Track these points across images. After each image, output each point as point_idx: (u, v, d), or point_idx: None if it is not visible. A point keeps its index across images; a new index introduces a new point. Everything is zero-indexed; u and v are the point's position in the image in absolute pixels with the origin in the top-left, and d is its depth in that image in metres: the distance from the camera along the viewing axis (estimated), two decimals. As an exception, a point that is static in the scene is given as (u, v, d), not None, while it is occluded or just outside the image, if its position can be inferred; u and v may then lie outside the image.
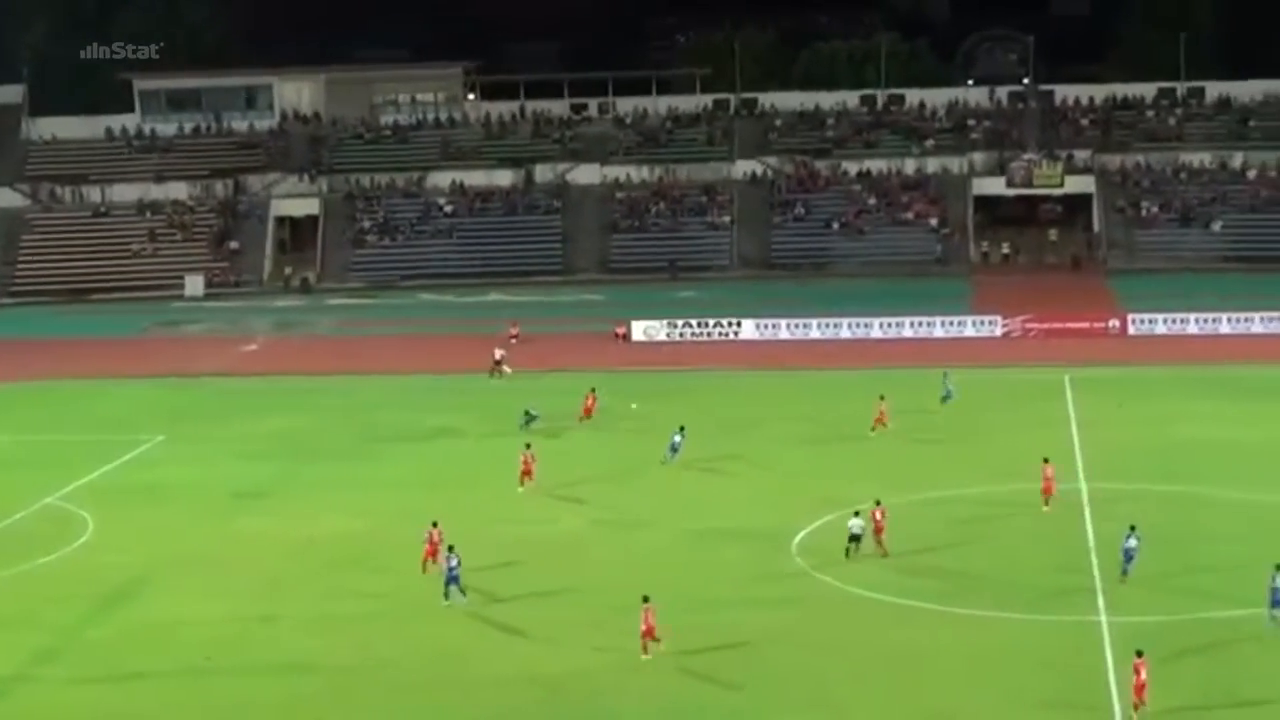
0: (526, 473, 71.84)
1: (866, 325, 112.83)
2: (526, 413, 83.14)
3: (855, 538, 61.32)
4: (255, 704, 48.65)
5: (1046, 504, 66.36)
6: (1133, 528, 57.96)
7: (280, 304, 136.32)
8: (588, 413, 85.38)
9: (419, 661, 51.41)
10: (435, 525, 59.94)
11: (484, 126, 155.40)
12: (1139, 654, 44.86)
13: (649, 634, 49.98)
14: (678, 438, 76.47)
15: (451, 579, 56.12)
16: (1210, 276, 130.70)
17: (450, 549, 56.54)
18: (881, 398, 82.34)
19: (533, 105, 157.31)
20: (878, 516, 61.29)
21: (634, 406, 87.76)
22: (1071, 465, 73.98)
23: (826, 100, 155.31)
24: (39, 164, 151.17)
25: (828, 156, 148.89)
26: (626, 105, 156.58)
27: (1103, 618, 53.96)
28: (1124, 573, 57.32)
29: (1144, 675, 44.47)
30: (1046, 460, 67.59)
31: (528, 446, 72.95)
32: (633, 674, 49.45)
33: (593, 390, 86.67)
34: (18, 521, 69.35)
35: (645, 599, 50.37)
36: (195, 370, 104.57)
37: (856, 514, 61.83)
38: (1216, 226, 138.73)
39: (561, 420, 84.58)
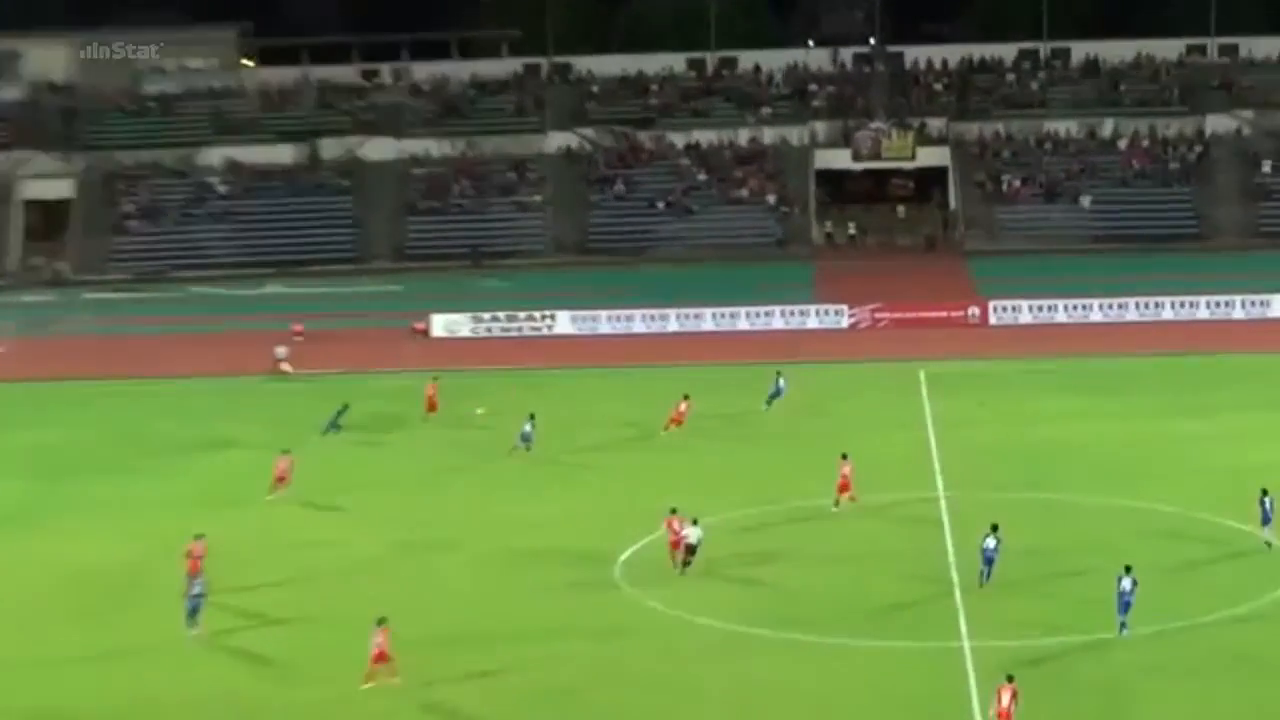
0: (280, 479, 72.26)
1: (697, 317, 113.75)
2: (340, 413, 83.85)
3: (692, 549, 61.73)
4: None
5: (836, 504, 67.46)
6: (994, 527, 58.70)
7: (30, 299, 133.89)
8: (432, 408, 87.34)
9: (191, 702, 50.47)
10: (199, 538, 59.12)
11: (262, 96, 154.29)
12: (1009, 678, 44.95)
13: (379, 659, 49.27)
14: (528, 426, 77.89)
15: (193, 606, 55.47)
16: (1079, 258, 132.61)
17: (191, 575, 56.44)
18: (685, 397, 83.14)
19: (317, 72, 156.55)
20: (675, 527, 61.75)
21: (480, 411, 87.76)
22: (928, 471, 74.89)
23: (650, 64, 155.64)
24: None
25: (651, 127, 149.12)
26: (424, 71, 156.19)
27: (965, 643, 53.87)
28: (984, 578, 58.19)
29: (1005, 702, 44.45)
30: (844, 456, 68.50)
31: (285, 452, 72.94)
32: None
33: (435, 379, 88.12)
34: None
35: (381, 620, 49.92)
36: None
37: (695, 522, 62.18)
38: (1085, 202, 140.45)
39: (366, 427, 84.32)
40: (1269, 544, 62.09)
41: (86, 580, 62.80)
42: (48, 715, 50.26)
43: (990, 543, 58.11)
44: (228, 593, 57.01)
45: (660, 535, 64.54)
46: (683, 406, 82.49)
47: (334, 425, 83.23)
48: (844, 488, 68.30)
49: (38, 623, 59.11)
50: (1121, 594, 54.27)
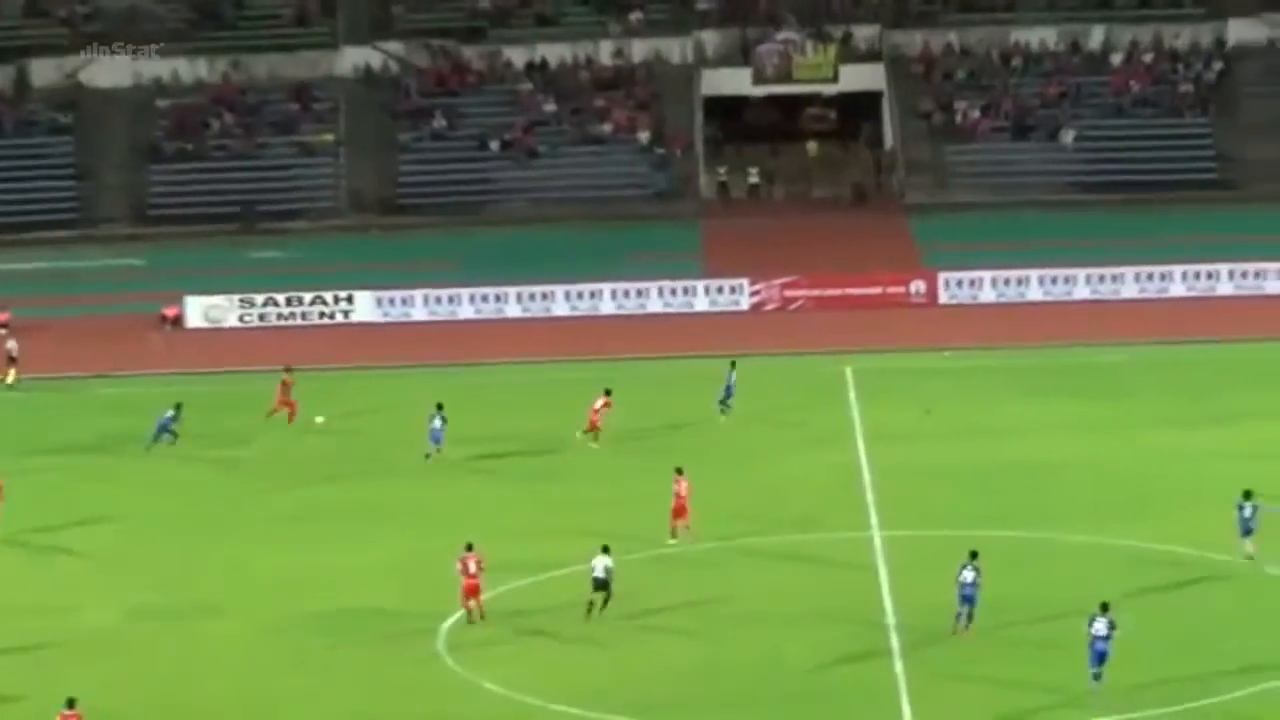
0: None
1: (545, 297, 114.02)
2: (173, 417, 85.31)
3: (603, 584, 63.15)
4: None
5: (674, 535, 68.26)
6: (973, 554, 59.85)
7: None
8: (280, 408, 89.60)
9: None
10: None
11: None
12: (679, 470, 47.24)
13: None
14: (437, 423, 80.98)
15: None
16: (1059, 214, 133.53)
17: None
18: (607, 393, 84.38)
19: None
20: (471, 567, 62.94)
21: (319, 420, 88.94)
22: (858, 502, 75.38)
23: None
24: None
25: (481, 40, 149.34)
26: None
27: (907, 724, 54.92)
28: (962, 620, 59.26)
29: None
30: (679, 471, 69.47)
31: None
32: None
33: (287, 370, 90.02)
34: None
35: (70, 702, 50.03)
36: None
37: (605, 550, 63.60)
38: (1067, 139, 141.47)
39: (98, 449, 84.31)
40: (1250, 557, 66.28)
41: None
42: None
43: (968, 575, 59.31)
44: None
45: (497, 595, 65.31)
46: (599, 405, 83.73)
47: (166, 430, 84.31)
48: (679, 512, 69.57)
49: None
50: (1095, 639, 55.55)
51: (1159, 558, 68.26)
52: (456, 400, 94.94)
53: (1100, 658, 54.91)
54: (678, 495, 68.63)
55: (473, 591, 61.74)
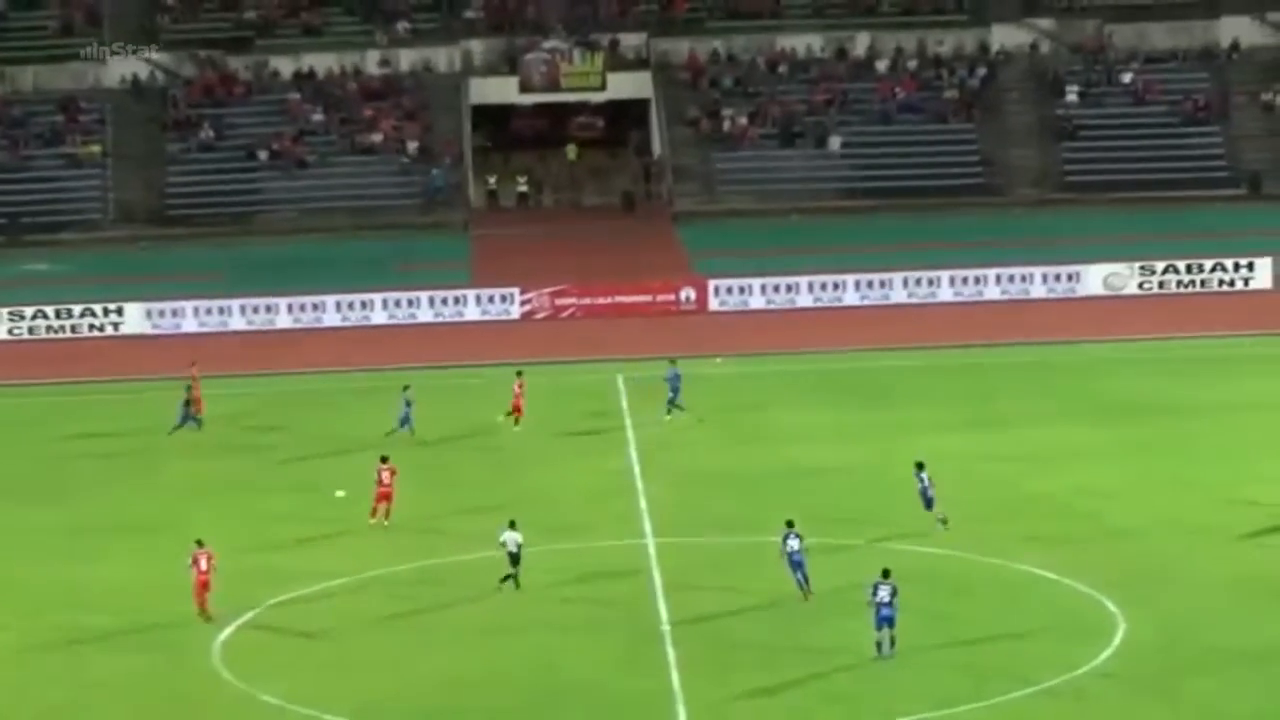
0: None
1: (316, 308, 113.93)
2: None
3: (515, 558, 65.32)
4: None
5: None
6: (885, 572, 58.94)
7: None
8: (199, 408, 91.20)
9: None
10: None
11: None
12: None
13: None
14: (406, 408, 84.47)
15: None
16: (828, 220, 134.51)
17: None
18: (519, 374, 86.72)
19: None
20: (203, 564, 63.43)
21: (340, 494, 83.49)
22: (631, 509, 75.56)
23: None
24: None
25: (248, 50, 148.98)
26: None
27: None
28: (883, 648, 58.25)
29: None
30: (384, 459, 71.60)
31: None
32: None
33: (192, 363, 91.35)
34: None
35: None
36: None
37: (512, 525, 65.70)
38: (834, 145, 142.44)
39: None
40: (943, 521, 70.72)
41: None
42: None
43: (883, 593, 58.28)
44: None
45: (271, 608, 65.27)
46: (517, 387, 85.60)
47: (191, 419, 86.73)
48: (383, 497, 72.44)
49: None
50: (879, 606, 57.18)
51: (936, 563, 68.73)
52: (228, 410, 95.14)
53: (887, 621, 56.63)
54: (380, 484, 71.00)
55: (204, 588, 62.38)
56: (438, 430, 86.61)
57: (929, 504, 71.30)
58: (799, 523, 66.53)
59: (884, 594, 58.06)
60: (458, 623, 64.80)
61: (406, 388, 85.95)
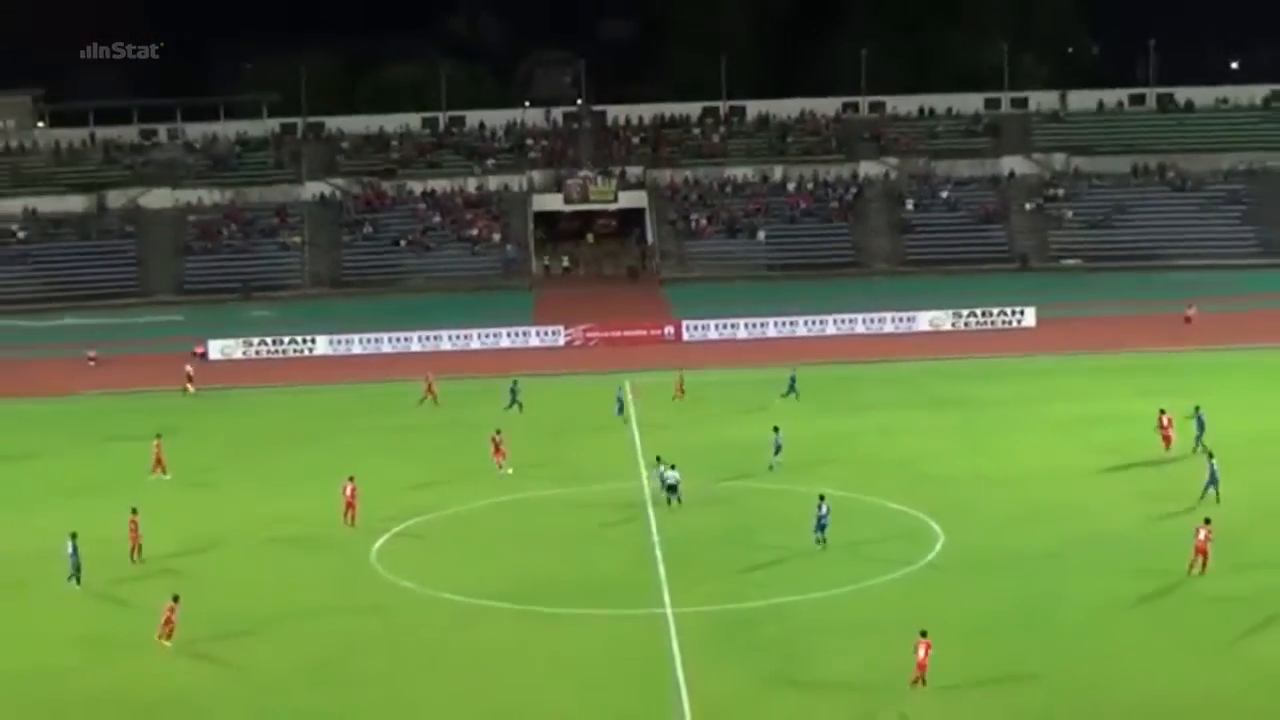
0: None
1: (435, 338, 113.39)
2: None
3: (671, 487, 66.24)
4: None
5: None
6: (822, 496, 60.54)
7: None
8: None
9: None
10: (134, 512, 61.88)
11: (54, 153, 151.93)
12: (923, 634, 46.08)
13: (167, 627, 50.11)
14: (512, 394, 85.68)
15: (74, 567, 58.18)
16: (757, 284, 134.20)
17: (72, 535, 58.25)
18: (683, 380, 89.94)
19: (102, 132, 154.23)
20: (346, 492, 65.15)
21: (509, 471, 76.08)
22: (633, 465, 75.27)
23: (390, 123, 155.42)
24: None
25: (393, 177, 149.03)
26: (196, 131, 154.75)
27: (669, 610, 54.88)
28: (820, 543, 60.02)
29: (921, 654, 45.83)
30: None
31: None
32: (233, 686, 48.77)
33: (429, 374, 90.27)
34: None
35: (175, 597, 50.34)
36: None
37: (673, 467, 67.00)
38: (761, 236, 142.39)
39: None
40: (771, 467, 72.80)
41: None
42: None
43: (823, 509, 60.41)
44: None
45: (410, 525, 65.04)
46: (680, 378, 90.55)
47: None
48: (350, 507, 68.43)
49: None
50: (820, 517, 59.20)
51: (827, 498, 68.13)
52: (375, 405, 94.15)
53: (821, 527, 59.65)
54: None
55: (350, 506, 65.27)
56: (502, 416, 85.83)
57: (778, 450, 73.23)
58: (738, 475, 66.43)
59: (823, 509, 59.34)
60: (525, 537, 64.68)
61: (515, 381, 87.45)
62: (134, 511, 62.36)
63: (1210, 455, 69.14)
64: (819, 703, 47.53)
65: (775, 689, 48.41)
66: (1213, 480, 65.56)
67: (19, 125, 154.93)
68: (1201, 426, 74.96)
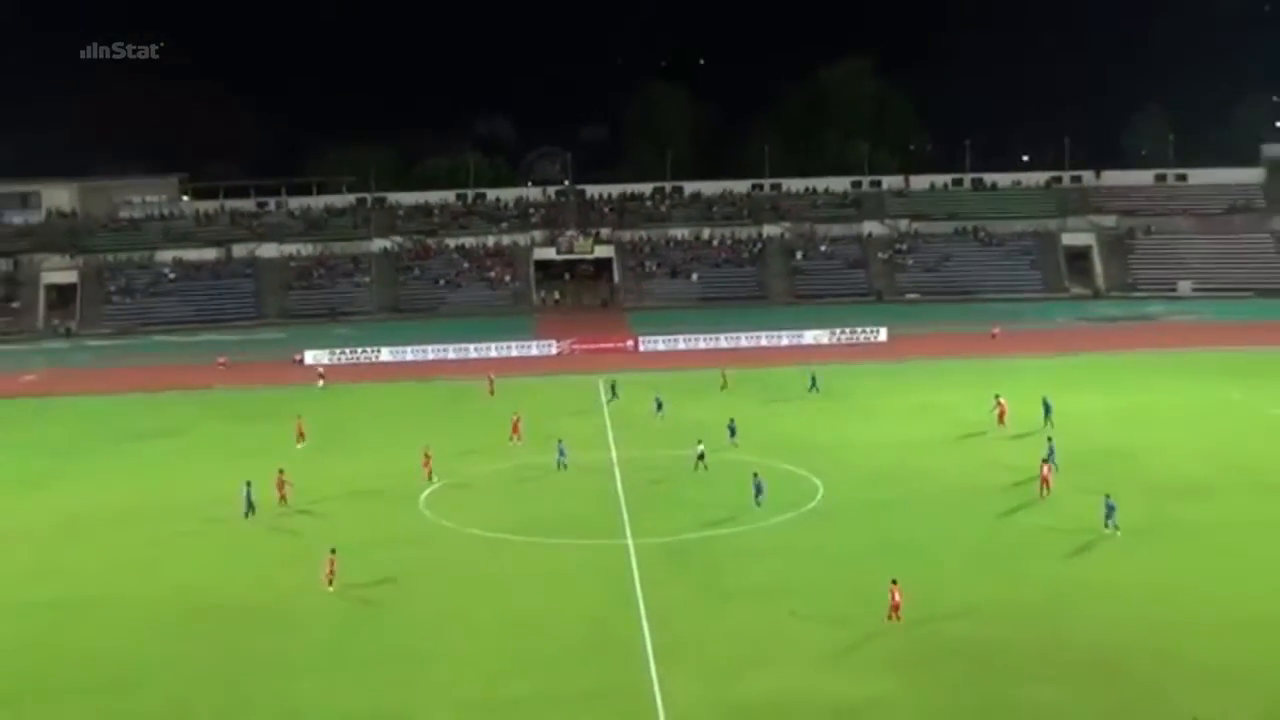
0: (302, 434, 75.86)
1: (464, 349, 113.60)
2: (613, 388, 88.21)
3: (701, 456, 66.32)
4: (45, 642, 47.03)
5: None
6: (756, 473, 60.44)
7: (50, 346, 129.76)
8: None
9: (159, 593, 50.26)
10: (281, 472, 62.27)
11: (195, 219, 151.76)
12: (894, 581, 45.01)
13: (330, 576, 49.58)
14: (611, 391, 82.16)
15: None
16: (692, 311, 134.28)
17: (247, 483, 59.92)
18: (725, 374, 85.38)
19: (229, 203, 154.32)
20: (422, 456, 65.34)
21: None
22: (604, 440, 75.43)
23: (434, 197, 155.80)
24: None
25: (435, 236, 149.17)
26: (296, 202, 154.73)
27: (629, 541, 55.30)
28: (760, 500, 59.21)
29: (898, 598, 44.46)
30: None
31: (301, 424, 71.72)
32: (318, 600, 49.06)
33: (490, 374, 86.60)
34: None
35: (333, 550, 50.10)
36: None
37: (699, 442, 67.54)
38: (694, 278, 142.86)
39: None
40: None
41: (80, 520, 62.04)
42: (83, 603, 50.14)
43: (760, 478, 60.07)
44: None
45: (443, 484, 65.07)
46: (725, 373, 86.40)
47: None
48: (518, 429, 68.77)
49: (68, 533, 58.52)
50: (758, 487, 58.89)
51: (744, 463, 67.38)
52: (427, 395, 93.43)
53: (759, 489, 58.73)
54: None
55: (426, 465, 61.35)
56: (520, 403, 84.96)
57: (732, 436, 71.93)
58: (681, 446, 66.57)
59: (761, 478, 59.18)
60: (532, 493, 64.78)
61: (614, 382, 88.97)
62: (281, 471, 62.54)
63: (1049, 430, 70.34)
64: (735, 604, 48.12)
65: (704, 595, 48.92)
66: (1051, 451, 64.02)
67: (169, 198, 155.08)
68: (1048, 409, 75.08)
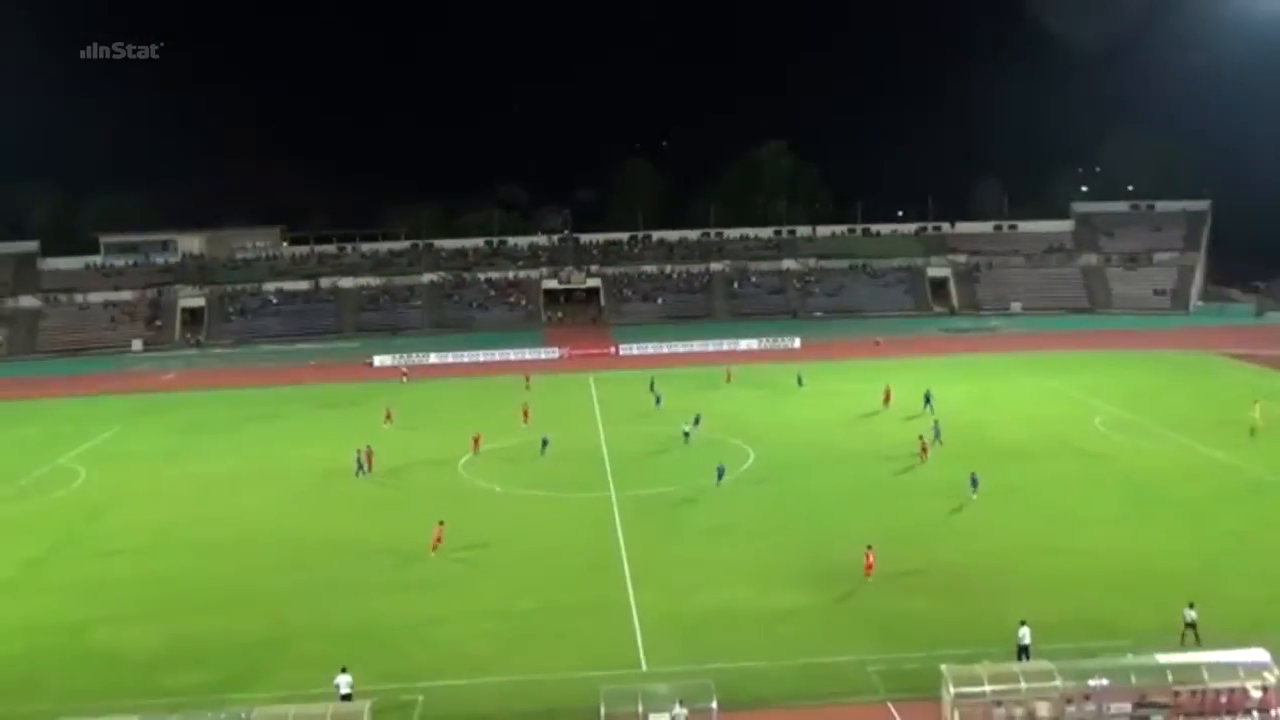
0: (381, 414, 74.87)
1: (490, 354, 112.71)
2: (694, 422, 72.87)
3: (686, 434, 64.41)
4: (185, 573, 46.90)
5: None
6: (719, 467, 57.09)
7: (184, 353, 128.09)
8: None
9: (344, 546, 50.01)
10: (369, 447, 62.14)
11: (292, 259, 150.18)
12: (869, 546, 43.28)
13: (437, 542, 47.94)
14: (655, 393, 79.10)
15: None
16: (658, 326, 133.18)
17: (357, 450, 60.78)
18: (729, 371, 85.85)
19: (318, 248, 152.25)
20: (478, 440, 63.09)
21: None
22: (594, 420, 75.20)
23: (468, 244, 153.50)
24: (48, 283, 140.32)
25: (470, 270, 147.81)
26: (367, 247, 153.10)
27: (613, 493, 55.41)
28: (720, 480, 56.48)
29: (871, 560, 42.41)
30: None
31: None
32: (379, 538, 48.86)
33: (526, 376, 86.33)
34: (43, 473, 66.07)
35: (440, 521, 48.78)
36: (138, 389, 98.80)
37: (696, 420, 65.45)
38: (660, 301, 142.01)
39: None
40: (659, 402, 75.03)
41: (210, 482, 61.86)
42: (205, 546, 49.73)
43: (722, 466, 56.90)
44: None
45: (472, 456, 64.67)
46: (729, 371, 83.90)
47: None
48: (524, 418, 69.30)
49: (199, 500, 58.16)
50: (720, 470, 56.63)
51: (694, 438, 66.78)
52: (469, 389, 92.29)
53: (720, 475, 56.15)
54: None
55: (476, 444, 61.09)
56: (526, 394, 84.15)
57: (658, 403, 72.68)
58: (644, 423, 66.33)
59: (723, 465, 56.85)
60: (538, 463, 64.45)
61: (652, 380, 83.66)
62: (369, 446, 62.14)
63: (932, 411, 70.31)
64: (689, 539, 48.26)
65: (668, 532, 49.22)
66: (937, 431, 64.00)
67: (273, 244, 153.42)
68: (929, 399, 74.74)
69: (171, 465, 66.95)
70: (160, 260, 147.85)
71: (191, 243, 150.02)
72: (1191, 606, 37.15)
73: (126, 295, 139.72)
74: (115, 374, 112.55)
